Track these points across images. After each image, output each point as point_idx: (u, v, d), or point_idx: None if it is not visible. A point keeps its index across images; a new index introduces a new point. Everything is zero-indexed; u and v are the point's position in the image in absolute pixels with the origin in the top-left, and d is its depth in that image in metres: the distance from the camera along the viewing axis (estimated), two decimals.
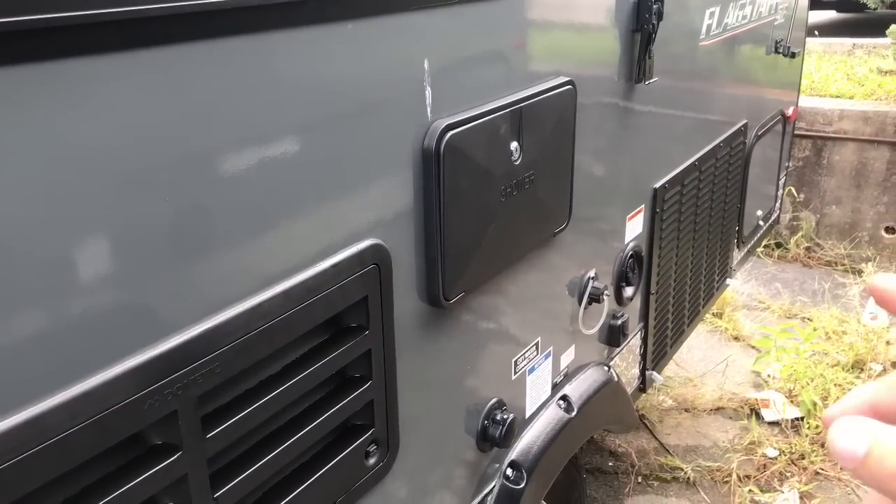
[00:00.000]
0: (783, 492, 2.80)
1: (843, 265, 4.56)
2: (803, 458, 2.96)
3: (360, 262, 0.96)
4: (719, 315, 3.96)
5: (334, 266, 0.92)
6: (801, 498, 2.77)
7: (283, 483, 0.93)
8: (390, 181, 1.02)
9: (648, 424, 3.21)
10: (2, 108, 0.59)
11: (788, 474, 2.91)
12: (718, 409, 3.31)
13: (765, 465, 2.94)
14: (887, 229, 4.58)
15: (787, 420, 3.14)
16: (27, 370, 0.64)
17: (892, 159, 4.49)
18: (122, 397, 0.70)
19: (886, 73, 5.15)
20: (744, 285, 4.28)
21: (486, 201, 1.15)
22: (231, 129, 0.78)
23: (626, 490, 2.86)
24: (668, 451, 3.06)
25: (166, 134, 0.71)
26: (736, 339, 3.84)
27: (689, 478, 2.89)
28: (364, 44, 0.92)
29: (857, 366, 3.48)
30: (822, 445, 2.99)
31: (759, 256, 4.59)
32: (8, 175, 0.60)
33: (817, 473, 2.90)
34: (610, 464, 2.99)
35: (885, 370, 3.41)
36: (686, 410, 3.29)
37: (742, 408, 3.29)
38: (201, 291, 0.77)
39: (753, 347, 3.76)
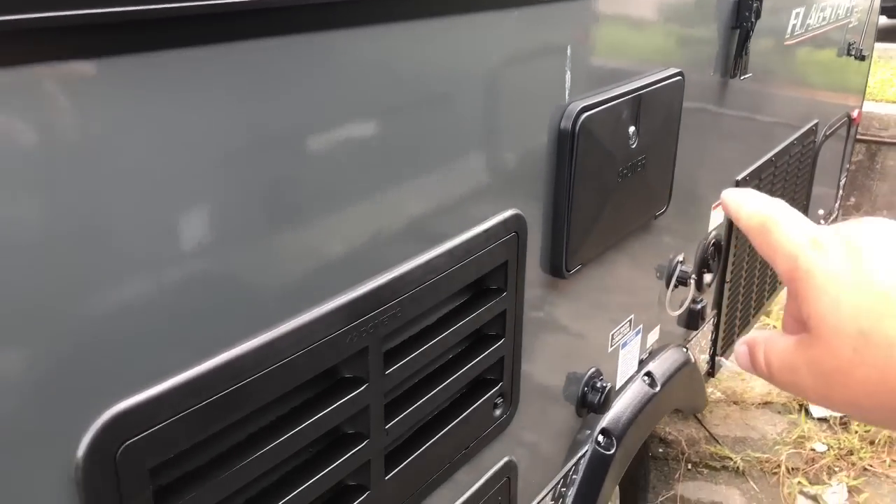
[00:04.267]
0: (832, 485, 2.86)
1: None
2: (852, 454, 3.01)
3: (504, 230, 1.05)
4: (768, 313, 4.00)
5: (485, 231, 1.02)
6: (849, 492, 2.83)
7: (429, 425, 1.03)
8: (530, 157, 1.11)
9: (698, 415, 3.28)
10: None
11: (837, 469, 2.97)
12: (767, 403, 3.37)
13: (813, 458, 3.00)
14: None
15: (835, 417, 3.19)
16: (264, 301, 0.74)
17: None
18: (330, 331, 0.80)
19: None
20: None
21: (606, 181, 1.24)
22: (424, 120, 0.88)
23: (677, 476, 2.94)
24: (717, 440, 3.13)
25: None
26: None
27: (738, 467, 2.96)
28: (524, 30, 1.01)
29: None
30: (872, 443, 3.05)
31: None
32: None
33: (866, 469, 2.95)
34: (661, 450, 3.06)
35: None
36: (735, 403, 3.36)
37: (790, 403, 3.35)
38: (390, 245, 0.87)
39: None
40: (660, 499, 2.80)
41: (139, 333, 0.63)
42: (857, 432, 3.09)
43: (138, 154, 0.60)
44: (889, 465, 2.96)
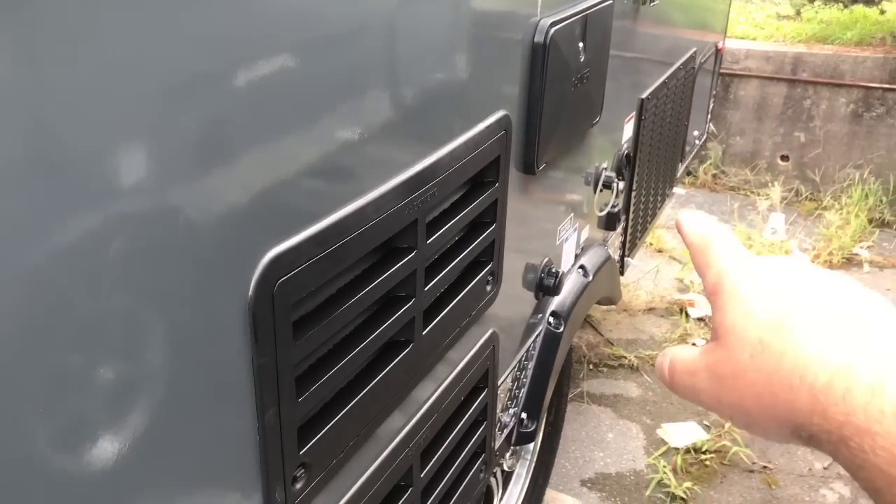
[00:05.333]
0: None
1: (745, 189, 5.13)
2: None
3: (498, 128, 1.24)
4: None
5: (487, 128, 1.20)
6: None
7: (447, 293, 1.21)
8: (511, 67, 1.29)
9: (593, 323, 3.64)
10: None
11: None
12: (651, 309, 3.78)
13: None
14: (782, 157, 5.17)
15: (710, 316, 3.63)
16: (353, 176, 0.90)
17: (789, 95, 5.05)
18: (396, 203, 0.96)
19: (783, 17, 5.70)
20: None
21: (565, 89, 1.45)
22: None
23: (581, 375, 3.28)
24: (612, 343, 3.49)
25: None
26: (659, 251, 4.31)
27: (632, 364, 3.33)
28: None
29: None
30: None
31: None
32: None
33: None
34: None
35: None
36: (624, 310, 3.74)
37: (672, 307, 3.77)
38: (428, 134, 1.04)
39: (674, 259, 4.25)
40: (569, 395, 3.12)
41: (285, 195, 0.78)
42: None
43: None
44: None
